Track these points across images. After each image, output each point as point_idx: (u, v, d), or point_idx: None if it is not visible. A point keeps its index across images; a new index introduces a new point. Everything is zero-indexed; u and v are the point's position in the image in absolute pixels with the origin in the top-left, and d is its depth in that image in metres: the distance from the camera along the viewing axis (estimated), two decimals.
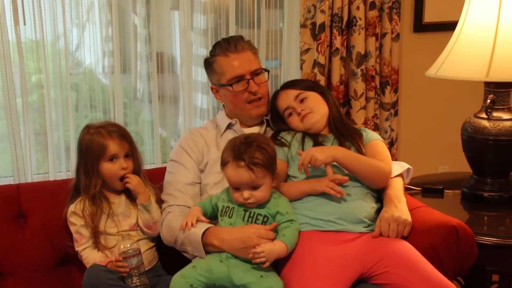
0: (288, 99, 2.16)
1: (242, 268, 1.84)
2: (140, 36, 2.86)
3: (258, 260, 1.79)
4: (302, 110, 2.12)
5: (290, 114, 2.15)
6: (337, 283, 1.78)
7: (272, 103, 2.22)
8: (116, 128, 2.08)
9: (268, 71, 2.24)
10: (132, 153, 2.09)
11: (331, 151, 1.96)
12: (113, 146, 2.04)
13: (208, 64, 2.23)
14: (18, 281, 2.13)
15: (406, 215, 1.97)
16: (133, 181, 2.05)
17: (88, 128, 2.10)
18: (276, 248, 1.81)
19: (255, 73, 2.16)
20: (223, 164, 1.89)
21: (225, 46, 2.17)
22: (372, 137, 2.15)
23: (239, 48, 2.16)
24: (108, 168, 2.04)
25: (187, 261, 1.97)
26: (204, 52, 2.93)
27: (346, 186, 1.97)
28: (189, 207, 2.08)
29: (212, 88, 2.26)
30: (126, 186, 2.06)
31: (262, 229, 1.85)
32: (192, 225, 1.91)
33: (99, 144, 2.03)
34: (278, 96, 2.19)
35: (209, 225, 1.94)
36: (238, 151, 1.85)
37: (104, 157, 2.03)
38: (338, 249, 1.87)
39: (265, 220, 1.89)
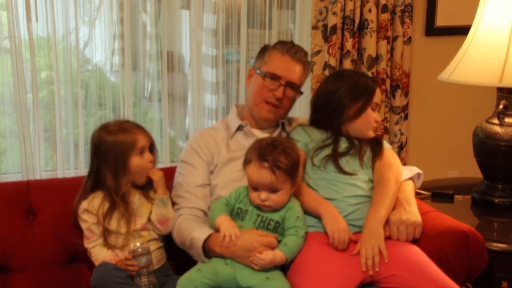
0: (379, 98, 2.11)
1: (248, 270, 1.84)
2: (150, 35, 2.87)
3: (256, 267, 1.82)
4: (378, 122, 2.12)
5: (371, 110, 2.08)
6: (344, 284, 1.77)
7: (365, 82, 2.10)
8: (133, 123, 2.10)
9: (301, 93, 2.21)
10: (153, 146, 2.10)
11: (377, 240, 1.88)
12: (141, 138, 2.04)
13: (264, 49, 2.23)
14: (26, 277, 2.12)
15: (415, 217, 1.96)
16: (158, 174, 2.06)
17: (105, 128, 2.06)
18: (276, 258, 1.83)
19: (291, 85, 2.14)
20: (246, 162, 1.89)
21: (287, 46, 2.17)
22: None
23: (296, 57, 2.15)
24: (138, 162, 2.03)
25: (195, 262, 1.97)
26: (214, 52, 2.93)
27: (356, 196, 1.97)
28: (200, 209, 2.08)
29: (250, 70, 2.25)
30: (150, 178, 2.07)
31: (265, 238, 1.85)
32: (236, 235, 1.85)
33: (128, 140, 2.01)
34: (378, 89, 2.11)
35: (211, 231, 1.94)
36: (263, 151, 1.85)
37: (134, 150, 2.02)
38: (344, 250, 1.87)
39: (276, 225, 1.88)
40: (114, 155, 2.02)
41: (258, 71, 2.18)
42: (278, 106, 2.15)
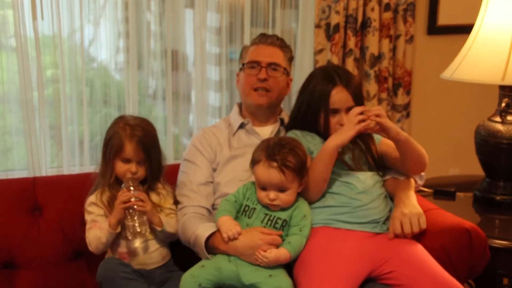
0: (342, 101, 1.99)
1: (251, 268, 1.85)
2: (154, 33, 2.88)
3: (261, 263, 1.83)
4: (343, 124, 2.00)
5: (334, 115, 2.01)
6: (349, 280, 1.79)
7: (321, 88, 2.01)
8: (142, 133, 2.04)
9: (288, 74, 2.24)
10: (146, 162, 2.06)
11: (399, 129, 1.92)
12: (128, 150, 2.02)
13: (242, 49, 2.31)
14: (31, 273, 2.14)
15: (416, 208, 1.95)
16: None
17: (121, 119, 2.09)
18: (280, 256, 1.83)
19: (272, 66, 2.19)
20: (254, 162, 1.90)
21: (259, 37, 2.26)
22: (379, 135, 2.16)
23: (270, 42, 2.23)
24: (119, 166, 2.04)
25: (199, 258, 1.98)
26: (218, 50, 2.95)
27: (365, 191, 1.97)
28: (204, 207, 2.10)
29: (237, 75, 2.31)
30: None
31: (269, 236, 1.86)
32: (238, 233, 1.86)
33: (120, 141, 2.02)
34: (336, 89, 1.99)
35: (215, 228, 1.95)
36: (272, 151, 1.86)
37: (120, 156, 2.03)
38: (351, 245, 1.88)
39: (284, 224, 1.90)
40: (108, 145, 2.05)
41: (240, 66, 2.25)
42: (267, 89, 2.18)
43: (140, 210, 1.94)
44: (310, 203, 1.97)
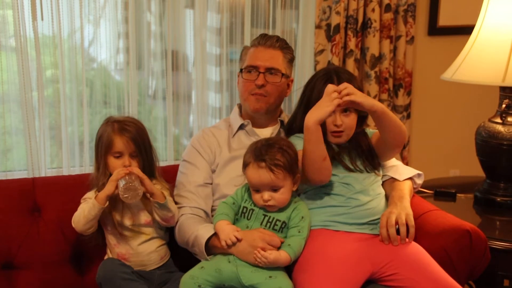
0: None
1: (251, 269, 1.84)
2: (154, 34, 2.88)
3: (259, 263, 1.82)
4: (339, 126, 1.98)
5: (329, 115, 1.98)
6: (349, 283, 1.79)
7: (319, 87, 2.00)
8: (131, 128, 2.05)
9: (288, 77, 2.21)
10: (138, 155, 2.06)
11: (374, 101, 1.90)
12: (118, 143, 2.02)
13: (242, 50, 2.28)
14: (31, 274, 2.13)
15: (403, 208, 1.94)
16: (115, 175, 2.00)
17: (108, 119, 2.10)
18: (281, 258, 1.83)
19: (271, 71, 2.16)
20: (245, 166, 1.90)
21: (259, 39, 2.21)
22: (373, 129, 2.14)
23: (269, 44, 2.18)
24: (113, 162, 2.04)
25: (198, 259, 1.98)
26: (218, 51, 2.95)
27: (363, 191, 1.97)
28: (202, 209, 2.10)
29: (238, 76, 2.28)
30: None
31: (268, 235, 1.86)
32: (237, 239, 1.85)
33: (108, 137, 2.03)
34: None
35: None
36: (260, 152, 1.86)
37: (111, 151, 2.03)
38: (350, 247, 1.87)
39: (283, 226, 1.89)
40: (98, 146, 2.06)
41: (240, 70, 2.22)
42: (264, 94, 2.16)
43: (133, 173, 1.95)
44: (320, 185, 1.95)
